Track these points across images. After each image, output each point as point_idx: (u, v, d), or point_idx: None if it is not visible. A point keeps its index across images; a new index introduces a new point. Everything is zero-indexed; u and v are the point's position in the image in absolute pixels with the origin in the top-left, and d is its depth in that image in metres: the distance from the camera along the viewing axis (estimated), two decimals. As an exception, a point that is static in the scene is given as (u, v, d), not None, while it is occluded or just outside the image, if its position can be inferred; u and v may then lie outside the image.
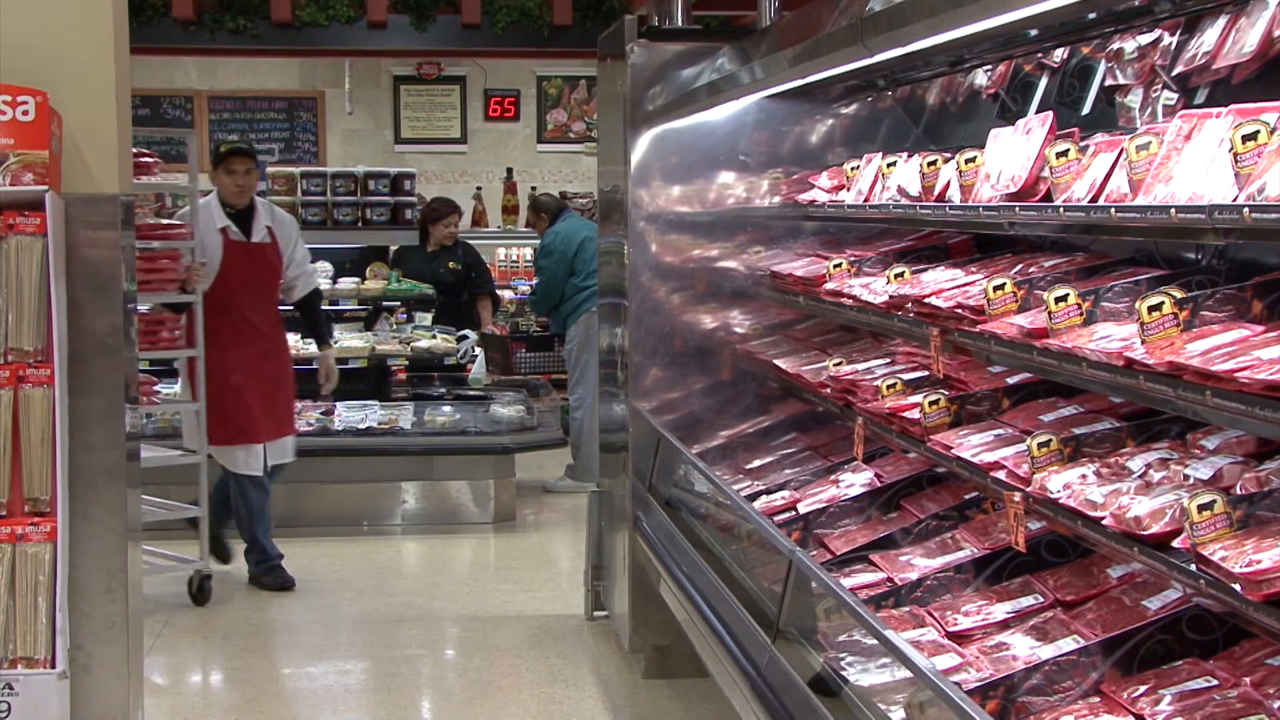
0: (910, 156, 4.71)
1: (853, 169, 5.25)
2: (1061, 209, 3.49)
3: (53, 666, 4.69)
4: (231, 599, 7.51)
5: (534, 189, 14.53)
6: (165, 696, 6.22)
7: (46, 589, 4.72)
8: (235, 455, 7.77)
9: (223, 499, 7.93)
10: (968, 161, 4.10)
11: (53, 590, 4.72)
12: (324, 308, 8.83)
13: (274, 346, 7.95)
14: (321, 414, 9.02)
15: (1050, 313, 3.39)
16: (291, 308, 8.32)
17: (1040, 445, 3.47)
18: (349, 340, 9.66)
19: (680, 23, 6.52)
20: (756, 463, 5.51)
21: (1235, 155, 2.77)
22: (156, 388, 9.30)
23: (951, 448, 3.85)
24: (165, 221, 7.66)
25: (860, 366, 4.81)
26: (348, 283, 10.01)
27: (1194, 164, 3.01)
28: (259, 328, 7.82)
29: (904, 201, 4.57)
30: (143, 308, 7.33)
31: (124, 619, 5.04)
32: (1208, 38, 3.53)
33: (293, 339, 8.63)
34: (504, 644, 6.92)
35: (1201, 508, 2.76)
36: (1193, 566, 2.78)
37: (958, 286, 4.08)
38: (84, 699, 4.93)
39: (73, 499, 4.86)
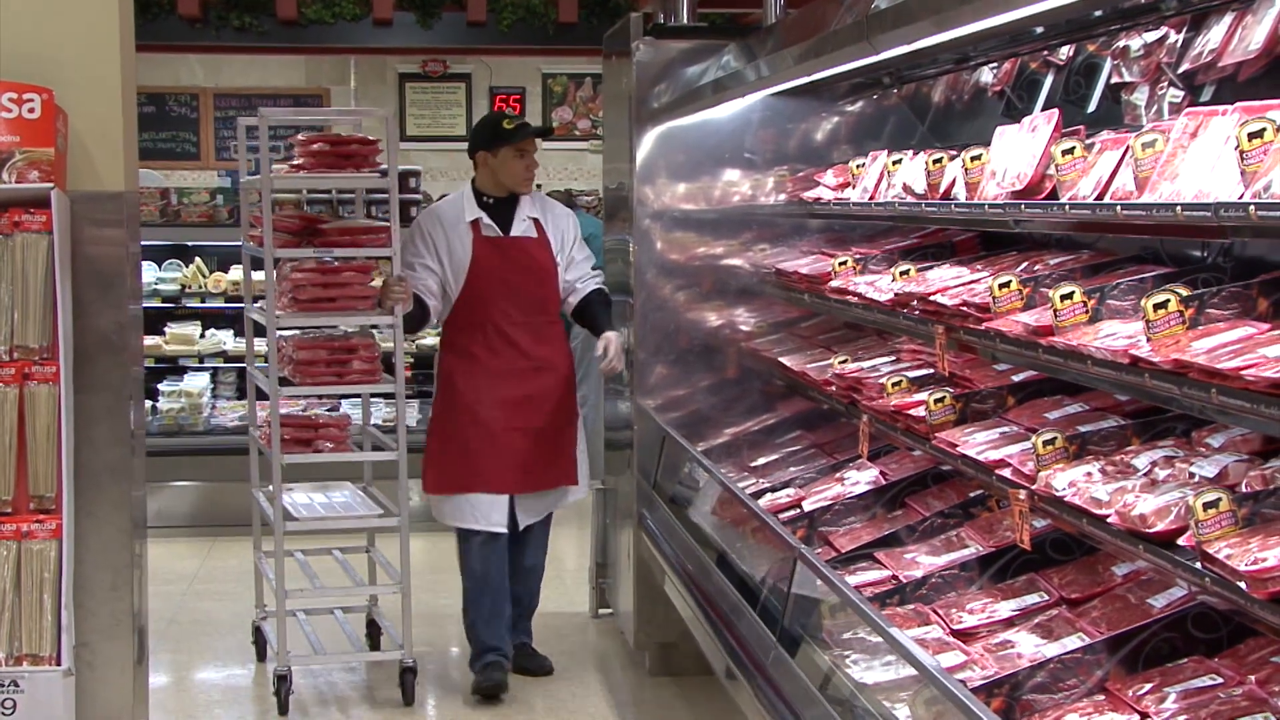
0: (916, 154, 4.70)
1: (858, 166, 5.25)
2: (1067, 207, 3.48)
3: (58, 664, 4.70)
4: (234, 596, 7.49)
5: (539, 187, 14.52)
6: (169, 694, 6.23)
7: (52, 586, 4.73)
8: (462, 506, 6.11)
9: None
10: (973, 159, 4.10)
11: (58, 587, 4.73)
12: None
13: (543, 369, 6.15)
14: (326, 410, 8.97)
15: (1055, 310, 3.39)
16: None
17: (1045, 443, 3.46)
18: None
19: (685, 20, 6.52)
20: (761, 460, 5.51)
21: (1241, 153, 2.77)
22: (160, 385, 9.37)
23: (956, 445, 3.85)
24: (357, 223, 6.26)
25: (865, 364, 4.81)
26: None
27: (1200, 162, 3.01)
28: (521, 345, 6.10)
29: (909, 199, 4.57)
30: (332, 330, 6.10)
31: (129, 616, 5.04)
32: (1214, 35, 3.53)
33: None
34: (509, 641, 6.92)
35: (1207, 505, 2.76)
36: (1198, 564, 2.78)
37: (963, 284, 4.07)
38: (89, 696, 4.93)
39: (78, 496, 4.86)
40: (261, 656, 6.53)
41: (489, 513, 6.06)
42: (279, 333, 5.97)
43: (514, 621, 6.31)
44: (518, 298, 6.08)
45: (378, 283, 5.90)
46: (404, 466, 5.92)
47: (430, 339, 9.06)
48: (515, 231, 6.11)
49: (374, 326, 6.09)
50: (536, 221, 6.16)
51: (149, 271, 9.39)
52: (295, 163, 6.05)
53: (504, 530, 6.09)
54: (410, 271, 5.98)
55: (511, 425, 6.05)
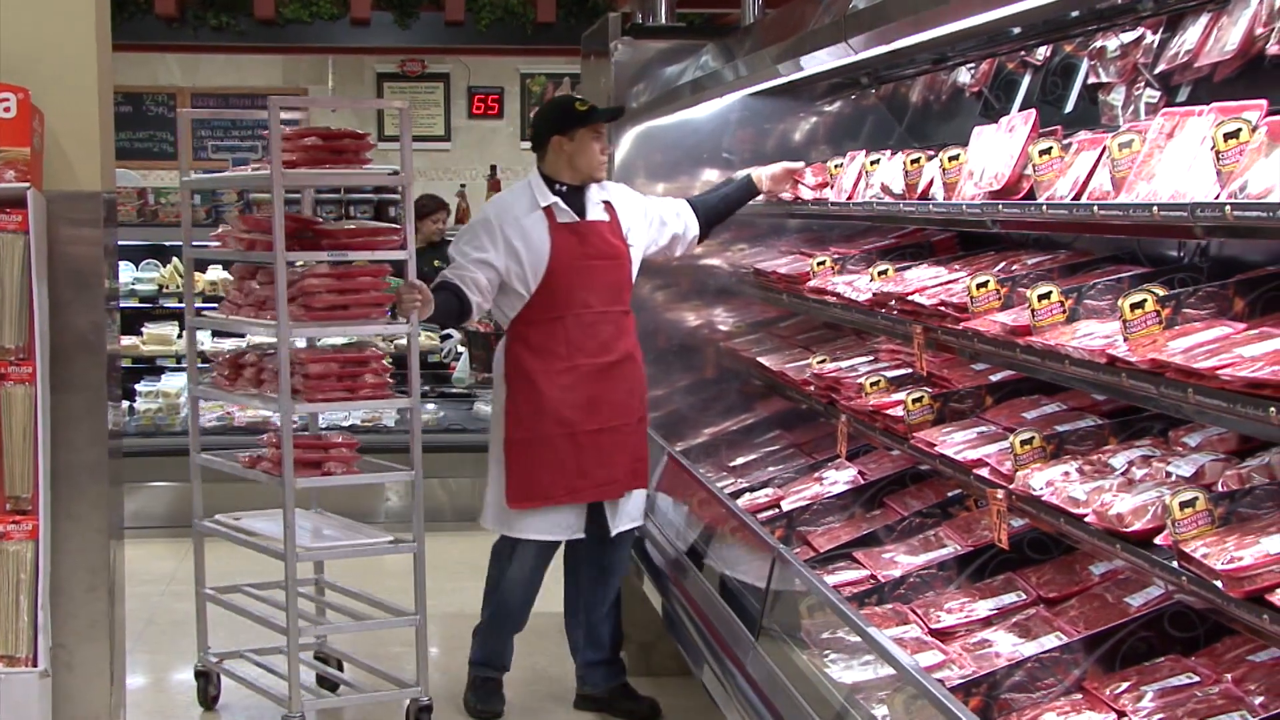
0: (893, 154, 4.71)
1: (836, 166, 5.26)
2: (1044, 207, 3.49)
3: (34, 665, 4.69)
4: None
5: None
6: (147, 695, 6.21)
7: (28, 587, 4.71)
8: (548, 516, 5.64)
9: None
10: (951, 159, 4.10)
11: (34, 588, 4.71)
12: None
13: (622, 363, 5.65)
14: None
15: (1033, 310, 3.40)
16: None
17: (1023, 443, 3.47)
18: (329, 341, 9.55)
19: (664, 20, 6.53)
20: (740, 460, 5.51)
21: (1217, 153, 2.78)
22: (138, 385, 9.34)
23: (935, 445, 3.86)
24: (364, 224, 5.71)
25: (844, 364, 4.82)
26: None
27: (1176, 162, 3.02)
28: (602, 338, 5.59)
29: (887, 199, 4.57)
30: (339, 340, 5.75)
31: (106, 617, 5.03)
32: (1190, 36, 3.54)
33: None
34: (487, 642, 6.91)
35: (1183, 505, 2.77)
36: (1174, 563, 2.79)
37: (941, 284, 4.08)
38: (66, 698, 4.92)
39: (55, 497, 4.85)
40: (210, 705, 5.92)
41: (571, 522, 5.64)
42: (242, 341, 5.61)
43: (607, 659, 5.92)
44: (596, 287, 5.60)
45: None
46: (419, 488, 5.50)
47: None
48: (590, 216, 5.64)
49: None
50: (608, 204, 5.70)
51: (126, 271, 9.38)
52: (286, 159, 5.39)
53: (578, 538, 5.69)
54: (461, 260, 5.53)
55: (594, 426, 5.58)
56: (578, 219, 5.60)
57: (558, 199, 5.60)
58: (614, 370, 5.62)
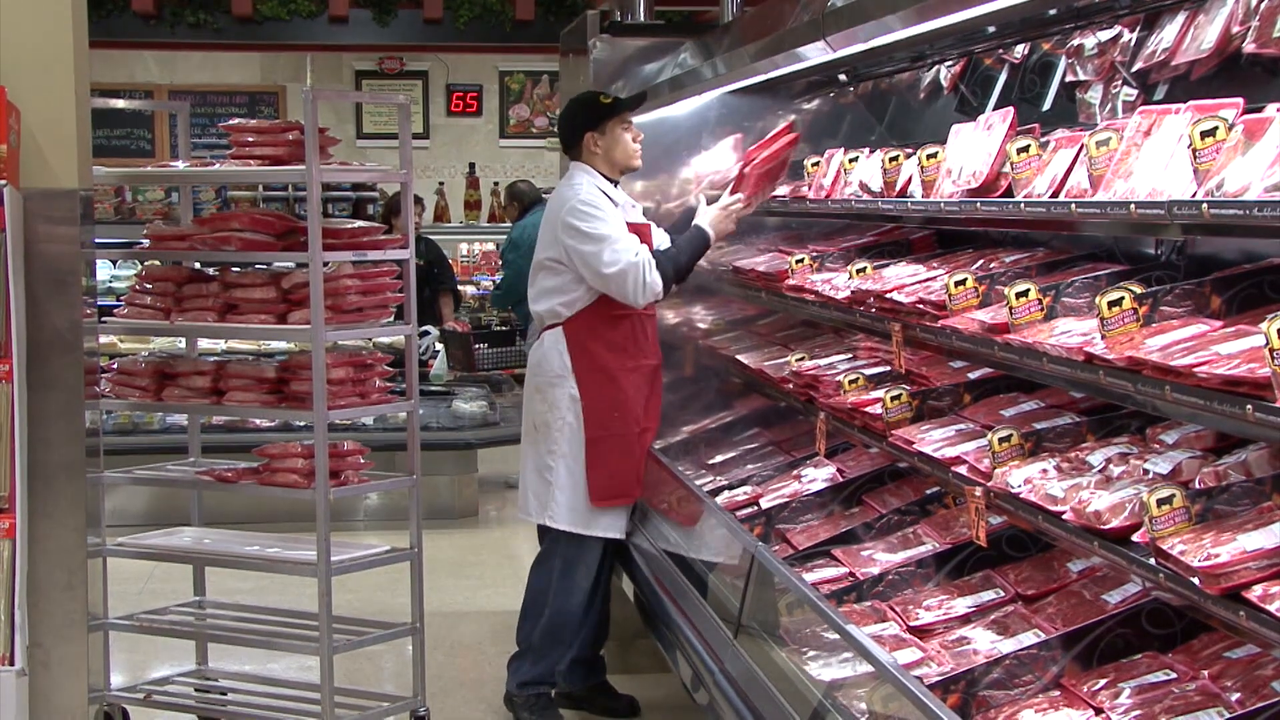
0: (872, 152, 4.72)
1: (814, 165, 5.26)
2: (1022, 204, 3.50)
3: (11, 664, 4.66)
4: (189, 596, 7.45)
5: (496, 184, 14.53)
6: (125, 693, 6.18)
7: (5, 586, 4.69)
8: (620, 516, 5.62)
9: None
10: (929, 157, 4.11)
11: (11, 587, 4.69)
12: None
13: (659, 368, 5.72)
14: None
15: (1011, 308, 3.40)
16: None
17: (1001, 440, 3.48)
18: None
19: (642, 18, 6.54)
20: (719, 458, 5.51)
21: (1194, 151, 2.79)
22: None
23: (913, 443, 3.86)
24: (361, 225, 5.40)
25: (822, 362, 4.82)
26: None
27: (1153, 160, 3.03)
28: (651, 337, 5.65)
29: (866, 197, 4.58)
30: (351, 342, 5.64)
31: (83, 616, 5.01)
32: (1167, 34, 3.55)
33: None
34: (467, 639, 6.90)
35: (1161, 502, 2.77)
36: (1152, 560, 2.79)
37: (919, 282, 4.09)
38: (43, 696, 4.90)
39: (32, 495, 4.82)
40: None
41: (625, 521, 5.66)
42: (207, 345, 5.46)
43: (588, 657, 5.86)
44: None
45: None
46: (418, 494, 5.37)
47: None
48: (639, 216, 5.69)
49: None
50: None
51: (104, 269, 9.34)
52: (263, 153, 5.28)
53: (625, 537, 5.67)
54: (625, 234, 5.41)
55: (649, 425, 5.64)
56: (639, 220, 5.61)
57: (629, 197, 5.60)
58: (657, 371, 5.69)
